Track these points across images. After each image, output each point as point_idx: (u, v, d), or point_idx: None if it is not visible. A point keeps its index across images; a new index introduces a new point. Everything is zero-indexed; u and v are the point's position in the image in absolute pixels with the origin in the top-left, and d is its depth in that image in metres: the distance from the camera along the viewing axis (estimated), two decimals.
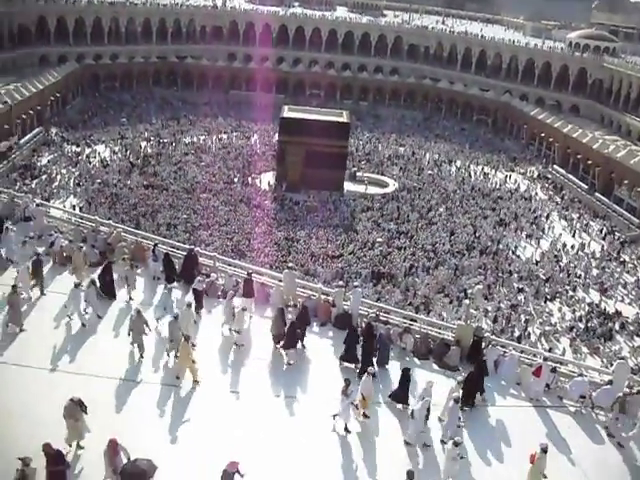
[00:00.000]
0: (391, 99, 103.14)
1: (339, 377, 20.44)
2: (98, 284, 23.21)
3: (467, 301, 28.20)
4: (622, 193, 64.12)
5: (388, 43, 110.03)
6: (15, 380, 18.81)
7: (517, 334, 37.25)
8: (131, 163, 62.24)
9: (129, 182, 56.60)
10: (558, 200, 66.43)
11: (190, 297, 23.82)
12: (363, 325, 23.52)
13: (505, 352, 22.82)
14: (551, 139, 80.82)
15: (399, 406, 19.75)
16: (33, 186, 52.80)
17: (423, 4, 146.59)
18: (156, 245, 26.41)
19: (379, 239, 49.56)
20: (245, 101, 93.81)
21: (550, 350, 34.32)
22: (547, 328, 38.96)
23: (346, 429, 18.40)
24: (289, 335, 21.41)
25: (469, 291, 41.63)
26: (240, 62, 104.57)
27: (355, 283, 31.42)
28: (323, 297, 24.70)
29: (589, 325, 39.90)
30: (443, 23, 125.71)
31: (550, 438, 19.12)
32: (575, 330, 39.03)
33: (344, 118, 63.61)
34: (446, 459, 16.89)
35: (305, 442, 17.94)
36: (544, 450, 16.59)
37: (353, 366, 21.35)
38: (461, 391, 19.39)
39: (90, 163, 61.84)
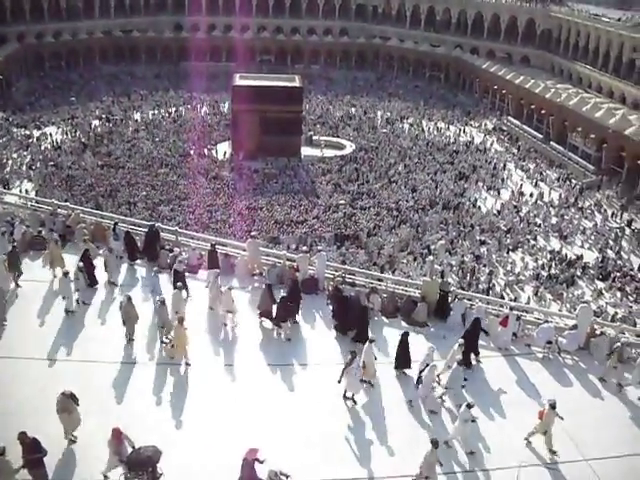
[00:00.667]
0: (342, 61, 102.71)
1: (321, 341, 21.06)
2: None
3: (431, 257, 28.42)
4: (576, 140, 64.91)
5: (336, 4, 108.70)
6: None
7: (483, 286, 37.77)
8: (83, 144, 60.91)
9: (83, 163, 55.53)
10: (514, 151, 67.06)
11: (167, 279, 23.30)
12: (329, 289, 23.62)
13: (472, 305, 23.12)
14: (504, 91, 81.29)
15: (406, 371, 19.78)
16: None
17: None
18: (116, 224, 26.09)
19: (341, 201, 49.64)
20: (195, 72, 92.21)
21: (515, 300, 34.92)
22: (511, 278, 39.56)
23: (353, 400, 18.28)
24: (281, 309, 21.15)
25: (432, 247, 41.99)
26: (187, 32, 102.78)
27: (319, 247, 31.47)
28: (288, 263, 24.69)
29: (551, 272, 40.61)
30: None
31: (520, 385, 19.57)
32: (539, 278, 39.71)
33: (296, 83, 63.08)
34: (458, 421, 16.75)
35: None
36: (552, 406, 16.69)
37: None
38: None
39: (41, 146, 60.48)
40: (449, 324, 22.38)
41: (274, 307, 21.41)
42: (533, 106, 73.61)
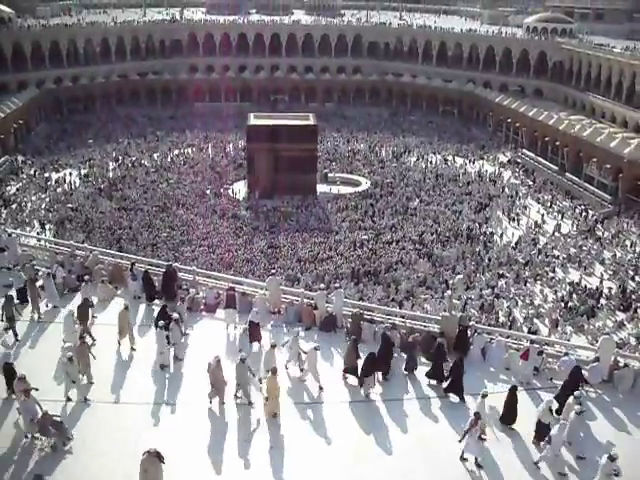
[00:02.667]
0: (356, 98, 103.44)
1: (332, 381, 20.78)
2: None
3: (449, 292, 28.30)
4: (592, 171, 64.73)
5: (348, 42, 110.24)
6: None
7: (503, 320, 37.46)
8: (99, 189, 60.76)
9: (101, 207, 55.59)
10: (530, 183, 66.95)
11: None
12: (348, 325, 23.53)
13: (492, 339, 22.92)
14: (517, 124, 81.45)
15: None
16: (4, 216, 52.24)
17: (380, 1, 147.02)
18: (133, 264, 26.22)
19: (364, 237, 49.68)
20: (210, 112, 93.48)
21: (535, 332, 34.56)
22: (531, 311, 39.21)
23: (478, 464, 17.53)
24: (368, 365, 20.30)
25: (450, 281, 41.83)
26: (202, 73, 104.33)
27: (336, 284, 31.40)
28: (306, 301, 24.66)
29: (571, 304, 40.21)
30: (401, 18, 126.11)
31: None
32: (559, 310, 39.33)
33: (310, 121, 63.59)
34: (600, 473, 16.08)
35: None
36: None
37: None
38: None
39: (59, 188, 61.11)
40: (469, 359, 22.16)
41: (359, 362, 20.70)
42: (547, 138, 73.64)
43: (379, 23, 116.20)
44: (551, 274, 44.95)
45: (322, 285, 32.71)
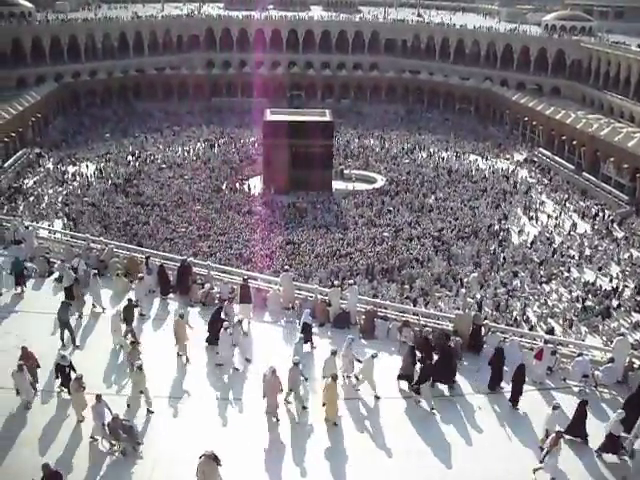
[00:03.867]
0: (372, 95, 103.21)
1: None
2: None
3: (463, 290, 28.18)
4: (609, 171, 64.29)
5: (365, 39, 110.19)
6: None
7: (516, 319, 37.33)
8: (114, 184, 60.72)
9: (117, 202, 55.70)
10: (546, 182, 66.62)
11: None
12: (361, 322, 23.52)
13: (505, 338, 22.84)
14: (535, 122, 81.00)
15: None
16: (21, 208, 52.66)
17: None
18: (148, 258, 26.34)
19: (385, 233, 49.74)
20: (227, 107, 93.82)
21: (551, 332, 34.40)
22: (545, 311, 39.06)
23: None
24: (426, 370, 19.83)
25: (465, 280, 41.70)
26: (219, 69, 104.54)
27: (350, 281, 31.38)
28: (320, 297, 24.69)
29: (586, 304, 40.00)
30: (419, 15, 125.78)
31: (557, 419, 19.17)
32: (574, 310, 39.15)
33: (327, 117, 63.60)
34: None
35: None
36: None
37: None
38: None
39: (76, 182, 61.46)
40: (483, 358, 22.11)
41: (416, 369, 20.31)
42: (564, 137, 73.19)
43: (397, 20, 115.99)
44: (566, 274, 44.72)
45: (336, 282, 32.76)
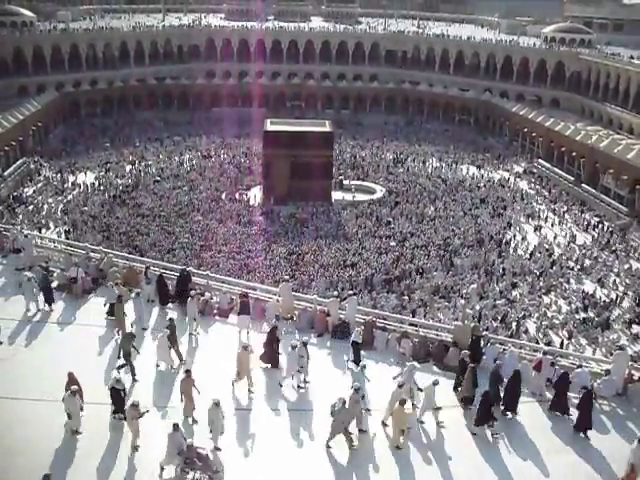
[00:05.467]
0: (372, 105, 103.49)
1: (340, 388, 20.22)
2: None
3: (463, 301, 28.22)
4: (608, 182, 64.40)
5: (365, 50, 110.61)
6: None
7: (515, 330, 37.25)
8: (113, 196, 59.98)
9: (117, 213, 55.29)
10: (545, 194, 66.70)
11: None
12: (360, 333, 23.48)
13: (504, 349, 22.82)
14: (534, 134, 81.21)
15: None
16: (20, 217, 52.62)
17: (398, 9, 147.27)
18: (148, 268, 26.34)
19: (392, 243, 49.78)
20: (227, 117, 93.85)
21: (549, 344, 34.35)
22: (544, 322, 38.99)
23: None
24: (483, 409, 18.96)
25: (464, 291, 41.69)
26: (219, 79, 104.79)
27: (349, 292, 31.39)
28: (319, 307, 24.68)
29: (585, 316, 39.94)
30: (419, 27, 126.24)
31: (555, 431, 19.16)
32: (573, 322, 39.08)
33: (327, 128, 63.69)
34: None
35: None
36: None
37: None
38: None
39: (75, 191, 61.36)
40: (481, 369, 22.06)
41: (476, 392, 19.77)
42: (564, 148, 73.37)
43: (397, 31, 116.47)
44: (565, 285, 44.68)
45: (335, 292, 32.75)
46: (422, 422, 19.34)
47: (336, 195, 62.21)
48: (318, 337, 23.79)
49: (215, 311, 24.99)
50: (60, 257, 29.33)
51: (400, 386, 18.93)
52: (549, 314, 40.28)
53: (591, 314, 40.30)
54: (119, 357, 21.12)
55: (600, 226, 57.03)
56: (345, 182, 66.16)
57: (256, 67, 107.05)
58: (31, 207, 55.91)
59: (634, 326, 39.29)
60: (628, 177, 60.93)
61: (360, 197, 62.26)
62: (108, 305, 24.14)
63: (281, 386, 20.70)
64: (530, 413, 20.12)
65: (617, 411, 20.50)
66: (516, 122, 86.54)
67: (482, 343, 22.79)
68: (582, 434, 19.22)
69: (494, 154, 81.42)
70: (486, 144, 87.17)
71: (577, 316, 40.01)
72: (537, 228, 55.70)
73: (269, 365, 21.64)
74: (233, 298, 25.18)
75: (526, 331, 37.54)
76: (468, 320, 23.92)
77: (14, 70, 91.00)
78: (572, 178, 69.08)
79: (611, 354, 28.98)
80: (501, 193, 64.95)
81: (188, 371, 18.84)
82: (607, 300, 42.35)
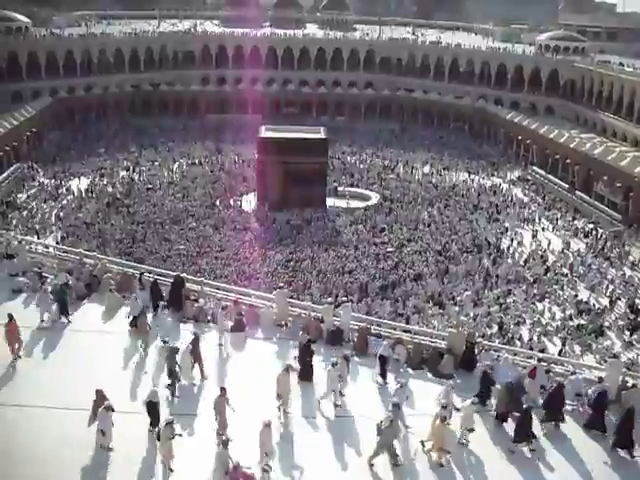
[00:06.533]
0: (367, 112, 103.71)
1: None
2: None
3: (457, 308, 28.21)
4: (602, 189, 64.58)
5: (360, 57, 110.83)
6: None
7: (510, 337, 37.25)
8: (107, 204, 59.59)
9: (112, 220, 55.11)
10: (540, 201, 66.86)
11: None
12: (355, 340, 23.38)
13: (499, 356, 22.80)
14: (528, 141, 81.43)
15: None
16: (14, 222, 52.46)
17: (393, 16, 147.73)
18: (142, 274, 26.27)
19: (389, 249, 49.72)
20: (222, 124, 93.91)
21: (543, 351, 34.34)
22: (538, 329, 38.99)
23: None
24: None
25: (458, 298, 41.68)
26: (214, 85, 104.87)
27: (343, 298, 31.38)
28: (313, 314, 24.64)
29: (579, 323, 39.97)
30: (414, 34, 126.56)
31: (550, 438, 19.12)
32: (567, 329, 39.10)
33: (321, 134, 63.73)
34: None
35: None
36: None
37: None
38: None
39: (69, 196, 61.20)
40: (475, 376, 22.06)
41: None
42: (558, 156, 73.57)
43: (392, 38, 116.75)
44: (559, 292, 44.72)
45: (329, 299, 32.72)
46: (463, 443, 18.70)
47: (330, 202, 62.17)
48: (312, 344, 23.71)
49: (209, 317, 24.91)
50: (53, 263, 29.21)
51: (444, 407, 18.30)
52: (543, 321, 40.31)
53: (585, 321, 40.33)
54: (168, 375, 20.15)
55: (594, 233, 57.15)
56: (340, 189, 66.16)
57: (251, 74, 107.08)
58: (25, 212, 55.77)
59: (627, 333, 39.35)
60: (622, 184, 61.11)
61: (354, 204, 62.28)
62: (131, 317, 23.80)
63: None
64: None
65: (611, 418, 20.44)
66: (510, 129, 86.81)
67: (476, 350, 22.77)
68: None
69: (489, 161, 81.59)
70: (481, 151, 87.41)
71: (571, 323, 40.05)
72: (534, 235, 55.75)
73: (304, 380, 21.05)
74: (227, 304, 25.10)
75: (520, 338, 37.55)
76: (462, 327, 23.88)
77: (9, 75, 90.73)
78: (566, 185, 69.28)
79: (605, 361, 29.04)
80: (494, 199, 65.29)
81: (223, 389, 18.05)
82: (601, 307, 42.39)
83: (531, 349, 33.84)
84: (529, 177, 74.89)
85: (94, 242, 48.05)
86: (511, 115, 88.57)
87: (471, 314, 39.49)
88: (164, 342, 20.82)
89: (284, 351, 22.76)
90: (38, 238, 46.58)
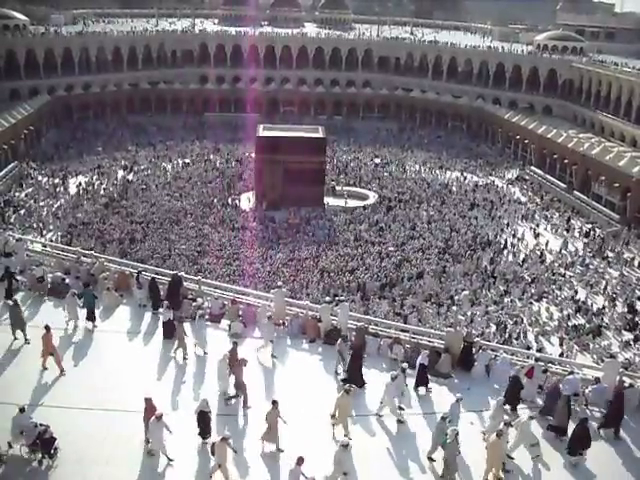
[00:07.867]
0: (365, 112, 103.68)
1: (332, 393, 20.15)
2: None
3: (455, 307, 28.21)
4: (600, 189, 64.63)
5: (359, 56, 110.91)
6: None
7: (507, 337, 37.28)
8: (105, 205, 58.96)
9: (110, 220, 54.68)
10: (537, 201, 66.87)
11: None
12: (352, 339, 23.39)
13: (496, 355, 22.81)
14: (526, 141, 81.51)
15: None
16: (12, 220, 52.36)
17: (391, 15, 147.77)
18: (140, 273, 26.24)
19: (391, 248, 49.79)
20: (220, 123, 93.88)
21: (540, 350, 34.37)
22: (536, 329, 39.02)
23: None
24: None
25: (456, 297, 41.69)
26: (212, 84, 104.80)
27: (341, 297, 31.35)
28: (310, 313, 24.62)
29: (577, 323, 40.00)
30: (412, 33, 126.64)
31: (547, 438, 19.12)
32: (565, 329, 39.12)
33: (320, 133, 63.72)
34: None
35: None
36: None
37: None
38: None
39: (67, 195, 61.05)
40: (473, 375, 22.08)
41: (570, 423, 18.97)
42: (556, 156, 73.62)
43: (390, 38, 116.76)
44: (557, 292, 44.74)
45: (327, 298, 32.70)
46: (512, 458, 18.16)
47: (329, 201, 62.14)
48: (310, 343, 23.74)
49: (207, 316, 24.89)
50: (51, 261, 29.16)
51: (506, 424, 17.64)
52: (541, 321, 40.34)
53: (582, 321, 40.36)
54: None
55: (592, 233, 57.19)
56: (338, 188, 66.15)
57: (249, 73, 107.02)
58: (22, 211, 55.67)
59: (625, 333, 39.41)
60: (619, 184, 61.16)
61: (352, 203, 62.25)
62: (164, 325, 23.41)
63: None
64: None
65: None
66: (508, 129, 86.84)
67: (474, 350, 22.78)
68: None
69: (487, 161, 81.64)
70: (479, 151, 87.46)
71: (569, 323, 40.07)
72: (536, 235, 55.78)
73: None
74: (225, 304, 25.10)
75: (517, 337, 37.58)
76: (460, 326, 23.88)
77: (6, 73, 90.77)
78: (564, 185, 69.31)
79: (602, 361, 29.06)
80: (491, 196, 65.59)
81: (275, 402, 17.67)
82: (599, 307, 42.42)
83: (528, 348, 33.95)
84: (527, 177, 74.91)
85: (94, 242, 47.81)
86: (509, 115, 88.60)
87: (469, 313, 39.52)
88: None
89: (327, 362, 22.50)
90: (42, 236, 46.69)
